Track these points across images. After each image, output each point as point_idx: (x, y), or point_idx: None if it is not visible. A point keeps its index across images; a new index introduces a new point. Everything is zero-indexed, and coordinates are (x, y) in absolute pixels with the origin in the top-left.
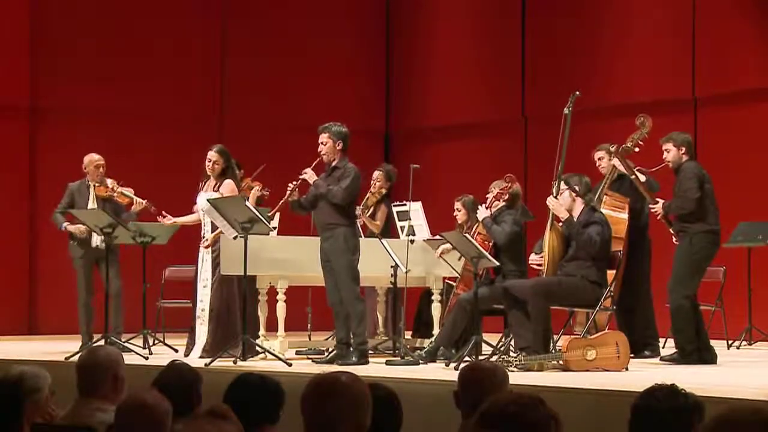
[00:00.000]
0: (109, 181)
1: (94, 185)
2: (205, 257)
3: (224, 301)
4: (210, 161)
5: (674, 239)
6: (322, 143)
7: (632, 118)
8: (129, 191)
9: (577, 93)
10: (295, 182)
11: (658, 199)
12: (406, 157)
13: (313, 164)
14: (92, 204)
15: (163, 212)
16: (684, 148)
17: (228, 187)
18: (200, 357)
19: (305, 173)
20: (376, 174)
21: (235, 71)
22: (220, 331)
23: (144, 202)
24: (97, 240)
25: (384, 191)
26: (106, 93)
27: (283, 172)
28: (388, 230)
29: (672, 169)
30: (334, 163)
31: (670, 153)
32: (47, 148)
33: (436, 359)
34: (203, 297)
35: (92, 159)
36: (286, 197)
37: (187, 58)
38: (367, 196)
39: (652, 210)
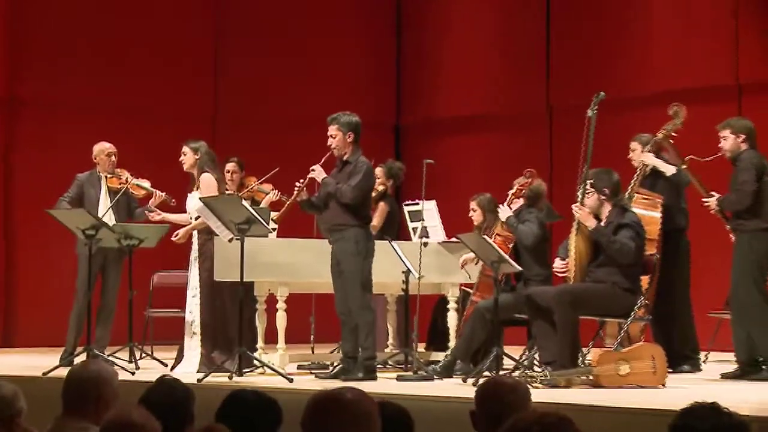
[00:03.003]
0: (123, 172)
1: (106, 176)
2: (193, 262)
3: (216, 311)
4: (182, 156)
5: (732, 237)
6: (331, 136)
7: (665, 107)
8: (145, 183)
9: (602, 94)
10: (302, 180)
11: (713, 193)
12: (419, 151)
13: (323, 159)
14: (104, 197)
15: (152, 207)
16: (743, 136)
17: (204, 181)
18: (199, 371)
19: (313, 170)
20: (377, 170)
21: (230, 62)
22: (210, 345)
23: (163, 194)
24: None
25: (382, 188)
26: (92, 86)
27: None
28: (392, 232)
29: (729, 159)
30: (345, 157)
31: (728, 141)
32: (25, 144)
33: (452, 374)
34: (192, 307)
35: (103, 147)
36: (293, 197)
37: (179, 48)
38: None
39: (705, 204)
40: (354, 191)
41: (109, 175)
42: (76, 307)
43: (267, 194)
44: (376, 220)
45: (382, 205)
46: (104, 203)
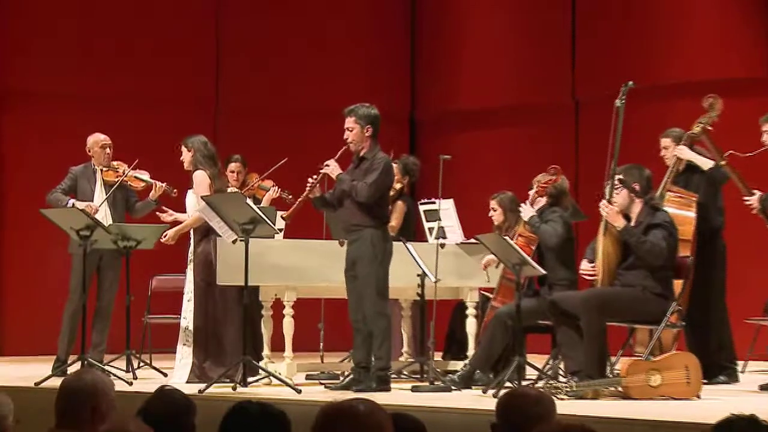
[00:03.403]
0: (119, 164)
1: (102, 169)
2: (189, 264)
3: (209, 316)
4: (181, 156)
5: None
6: (347, 129)
7: (697, 98)
8: (144, 174)
9: (631, 83)
10: (315, 176)
11: (754, 191)
12: (435, 146)
13: (338, 154)
14: (99, 191)
15: (164, 207)
16: None
17: (195, 179)
18: (188, 381)
19: (327, 166)
20: None
21: (233, 48)
22: (201, 354)
23: (163, 185)
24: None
25: (399, 186)
26: (87, 76)
27: (294, 166)
28: (413, 232)
29: None
30: (362, 153)
31: None
32: (16, 138)
33: (471, 385)
34: (186, 313)
35: (97, 139)
36: (305, 195)
37: (179, 35)
38: None
39: (746, 203)
40: (370, 189)
41: (105, 168)
42: (69, 308)
43: (267, 191)
44: (395, 221)
45: (399, 204)
46: (100, 198)
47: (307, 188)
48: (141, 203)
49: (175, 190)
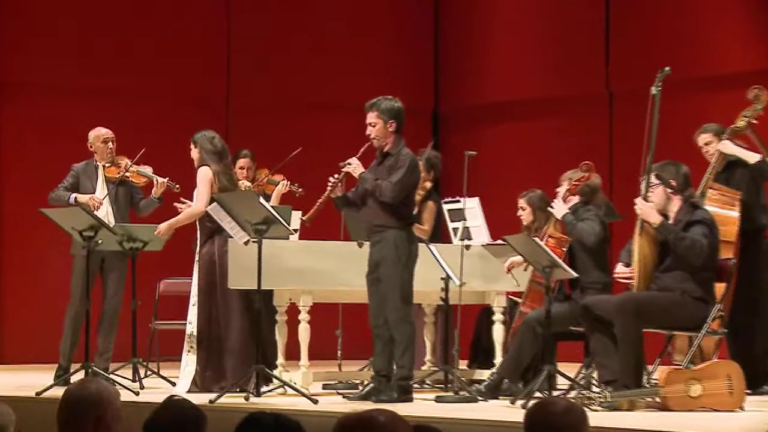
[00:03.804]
0: (122, 160)
1: (104, 166)
2: (195, 266)
3: (211, 322)
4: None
5: None
6: (370, 124)
7: (740, 90)
8: (147, 170)
9: (667, 69)
10: (336, 176)
11: None
12: (460, 141)
13: (360, 151)
14: (101, 188)
15: (182, 198)
16: None
17: (198, 175)
18: (189, 391)
19: (349, 164)
20: None
21: (245, 39)
22: (203, 362)
23: (165, 180)
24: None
25: (429, 185)
26: (91, 68)
27: (311, 162)
28: (439, 233)
29: None
30: (386, 149)
31: None
32: (15, 134)
33: (498, 395)
34: (192, 318)
35: (98, 134)
36: (326, 195)
37: (188, 25)
38: None
39: None
40: (395, 188)
41: (107, 165)
42: (70, 312)
43: (277, 185)
44: (427, 224)
45: (430, 204)
46: (101, 195)
47: (329, 188)
48: (145, 201)
49: (177, 186)
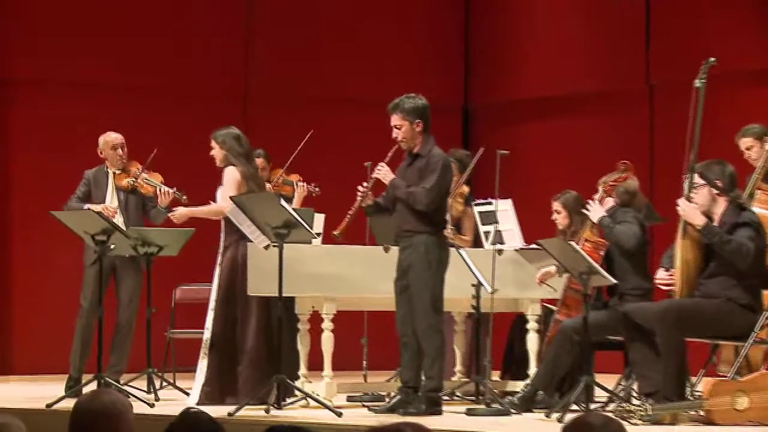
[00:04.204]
0: (133, 166)
1: (114, 173)
2: (217, 269)
3: (227, 326)
4: (211, 150)
5: None
6: (395, 127)
7: None
8: (154, 179)
9: (712, 60)
10: (365, 184)
11: None
12: (491, 139)
13: (388, 156)
14: (111, 197)
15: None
16: None
17: (225, 176)
18: (198, 403)
19: (379, 171)
20: None
21: (263, 31)
22: (218, 367)
23: (172, 191)
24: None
25: (466, 191)
26: (101, 63)
27: (334, 160)
28: (477, 239)
29: None
30: (415, 150)
31: None
32: (22, 134)
33: (532, 408)
34: (209, 324)
35: (107, 139)
36: (356, 205)
37: (203, 16)
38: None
39: None
40: (430, 195)
41: (118, 171)
42: (80, 322)
43: (292, 185)
44: (468, 233)
45: (470, 212)
46: (111, 204)
47: (358, 197)
48: (154, 210)
49: (185, 197)
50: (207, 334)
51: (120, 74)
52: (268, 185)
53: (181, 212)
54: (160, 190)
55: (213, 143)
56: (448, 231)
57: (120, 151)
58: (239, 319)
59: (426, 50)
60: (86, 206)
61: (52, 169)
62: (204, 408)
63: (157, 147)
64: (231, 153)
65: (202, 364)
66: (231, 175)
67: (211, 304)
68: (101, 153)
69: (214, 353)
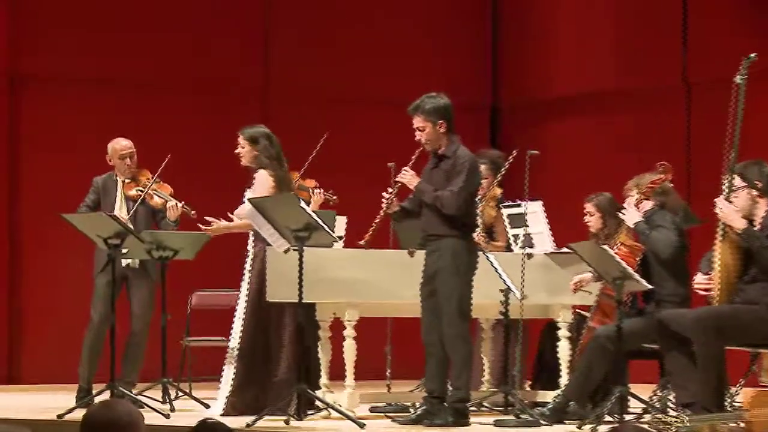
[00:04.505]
0: (143, 175)
1: (123, 182)
2: (245, 276)
3: (257, 334)
4: (238, 147)
5: None
6: (418, 129)
7: None
8: (164, 191)
9: (753, 56)
10: (390, 190)
11: None
12: (521, 139)
13: (413, 158)
14: (120, 206)
15: (207, 218)
16: None
17: (258, 179)
18: (223, 413)
19: (404, 176)
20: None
21: (284, 24)
22: (245, 376)
23: (180, 204)
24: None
25: (498, 193)
26: (114, 58)
27: (357, 161)
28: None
29: None
30: (441, 151)
31: None
32: (33, 133)
33: (564, 419)
34: (237, 333)
35: (116, 147)
36: (382, 213)
37: (220, 8)
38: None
39: None
40: (458, 198)
41: (127, 180)
42: (89, 336)
43: (308, 192)
44: (501, 238)
45: (501, 216)
46: (120, 214)
47: (384, 205)
48: (163, 222)
49: (193, 212)
50: (234, 343)
51: (137, 72)
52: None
53: (218, 226)
54: (169, 204)
55: (241, 141)
56: (480, 237)
57: (128, 160)
58: (273, 328)
59: (452, 47)
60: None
61: (62, 171)
62: (226, 419)
63: (175, 146)
64: (263, 154)
65: (228, 374)
66: (264, 180)
67: (239, 312)
68: (110, 160)
69: (243, 362)
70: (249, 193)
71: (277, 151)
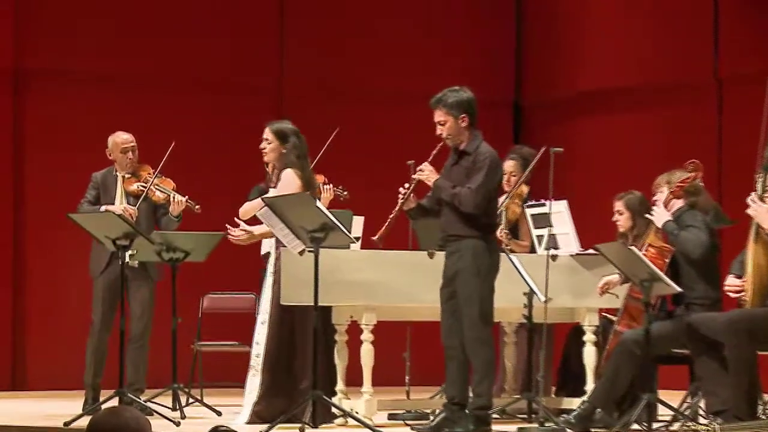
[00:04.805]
0: (144, 170)
1: (123, 177)
2: (267, 279)
3: (283, 340)
4: (263, 142)
5: None
6: (439, 123)
7: None
8: (166, 186)
9: None
10: (407, 185)
11: None
12: (545, 136)
13: (432, 154)
14: (120, 202)
15: (235, 218)
16: None
17: (285, 179)
18: (248, 422)
19: (422, 172)
20: (507, 165)
21: (299, 18)
22: (272, 384)
23: (184, 199)
24: (126, 255)
25: (525, 191)
26: (121, 53)
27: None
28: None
29: None
30: (462, 147)
31: None
32: (37, 131)
33: (590, 426)
34: (260, 338)
35: (116, 141)
36: (397, 208)
37: (235, 5)
38: (502, 203)
39: None
40: (477, 196)
41: (127, 176)
42: (92, 341)
43: (318, 188)
44: (526, 238)
45: (527, 215)
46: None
47: (399, 200)
48: (165, 218)
49: (198, 206)
50: (257, 350)
51: (150, 69)
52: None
53: (241, 235)
54: (173, 199)
55: (269, 135)
56: (502, 235)
57: (130, 154)
58: (299, 332)
59: (474, 40)
60: (103, 208)
61: (68, 170)
62: (253, 427)
63: (186, 146)
64: (292, 152)
65: (254, 382)
66: (291, 180)
67: (262, 317)
68: (110, 155)
69: (269, 370)
70: (272, 193)
71: (305, 150)
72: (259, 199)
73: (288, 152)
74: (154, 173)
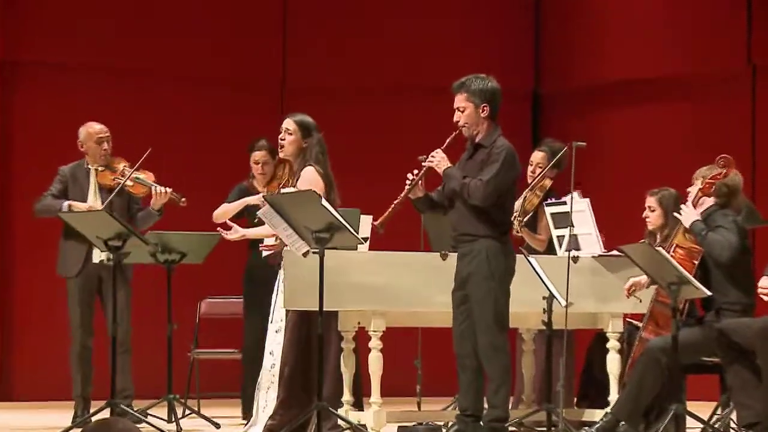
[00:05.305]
0: (119, 163)
1: (96, 170)
2: (280, 285)
3: (301, 349)
4: (282, 133)
5: None
6: (458, 109)
7: None
8: (146, 177)
9: None
10: (417, 172)
11: None
12: (566, 129)
13: (446, 142)
14: (93, 197)
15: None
16: None
17: (306, 177)
18: None
19: (433, 157)
20: (535, 156)
21: (304, 11)
22: (288, 396)
23: (168, 191)
24: (101, 253)
25: (548, 185)
26: (116, 45)
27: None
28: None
29: None
30: (478, 139)
31: None
32: (25, 124)
33: None
34: (274, 347)
35: (90, 131)
36: (402, 195)
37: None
38: (523, 196)
39: None
40: (487, 188)
41: (100, 169)
42: (74, 349)
43: None
44: (544, 232)
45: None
46: (93, 206)
47: (406, 187)
48: (142, 213)
49: (183, 199)
50: (271, 360)
51: (153, 65)
52: (274, 183)
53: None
54: (155, 190)
55: (291, 126)
56: (517, 227)
57: (105, 145)
58: (315, 340)
59: (490, 29)
60: (66, 203)
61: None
62: None
63: (185, 141)
64: (315, 149)
65: (270, 395)
66: (313, 179)
67: (276, 325)
68: (82, 146)
69: (286, 383)
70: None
71: (325, 147)
72: (238, 202)
73: (310, 147)
74: (131, 167)
